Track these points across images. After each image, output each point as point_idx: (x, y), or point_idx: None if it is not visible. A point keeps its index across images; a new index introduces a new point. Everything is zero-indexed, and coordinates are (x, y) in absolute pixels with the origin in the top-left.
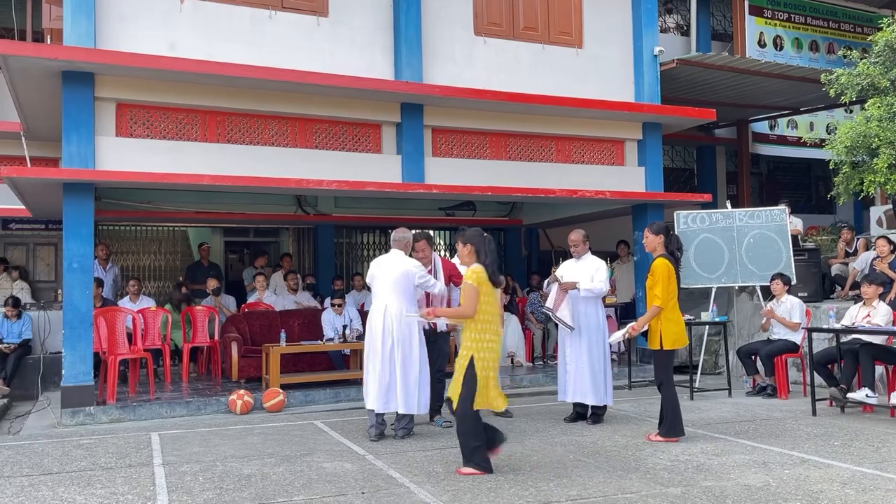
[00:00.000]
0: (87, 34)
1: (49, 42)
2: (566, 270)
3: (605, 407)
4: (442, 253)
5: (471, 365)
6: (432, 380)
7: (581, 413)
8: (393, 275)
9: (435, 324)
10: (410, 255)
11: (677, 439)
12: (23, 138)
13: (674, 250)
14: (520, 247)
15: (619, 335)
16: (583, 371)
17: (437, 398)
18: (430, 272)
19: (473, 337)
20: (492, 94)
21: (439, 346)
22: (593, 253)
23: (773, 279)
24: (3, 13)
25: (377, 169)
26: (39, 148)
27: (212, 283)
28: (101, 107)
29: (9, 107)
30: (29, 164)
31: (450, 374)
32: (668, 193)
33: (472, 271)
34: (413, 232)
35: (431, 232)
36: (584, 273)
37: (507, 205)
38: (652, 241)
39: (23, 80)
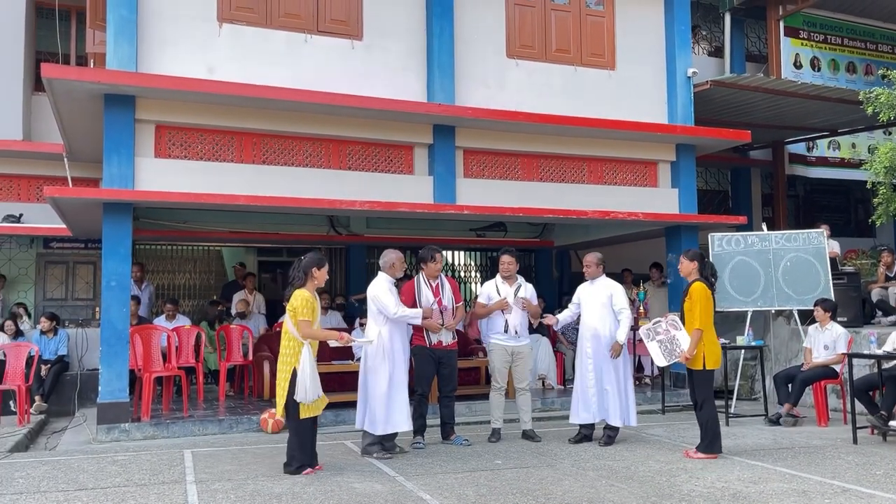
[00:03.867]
0: (129, 58)
1: (92, 66)
2: (581, 293)
3: (617, 429)
4: (473, 273)
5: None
6: (444, 399)
7: (587, 435)
8: (370, 298)
9: (441, 340)
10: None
11: (716, 456)
12: (65, 159)
13: (708, 276)
14: (551, 269)
15: (661, 359)
16: (599, 391)
17: (451, 417)
18: (437, 287)
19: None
20: (524, 116)
21: (451, 365)
22: (618, 275)
23: (815, 305)
24: (49, 38)
25: (409, 190)
26: (80, 168)
27: (241, 306)
28: (141, 128)
29: (52, 128)
30: (70, 185)
31: (462, 397)
32: (702, 216)
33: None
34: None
35: (462, 252)
36: (599, 296)
37: (538, 226)
38: (687, 266)
39: (66, 103)
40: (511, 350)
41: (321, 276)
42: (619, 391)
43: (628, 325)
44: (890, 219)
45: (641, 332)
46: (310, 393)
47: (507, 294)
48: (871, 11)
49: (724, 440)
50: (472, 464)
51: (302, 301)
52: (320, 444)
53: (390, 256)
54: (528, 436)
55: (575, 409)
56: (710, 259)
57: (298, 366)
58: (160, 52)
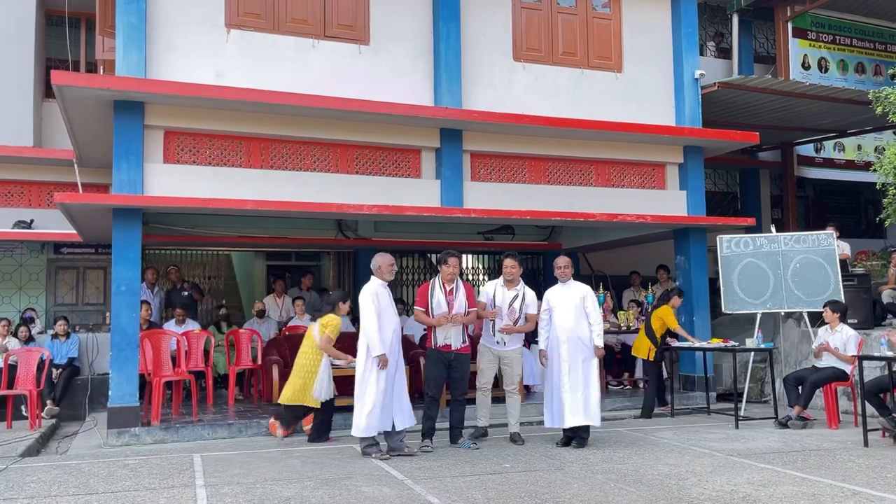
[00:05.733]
0: (138, 64)
1: (102, 73)
2: (552, 296)
3: (588, 428)
4: (481, 276)
5: None
6: (455, 402)
7: (571, 436)
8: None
9: (448, 343)
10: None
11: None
12: (75, 165)
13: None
14: None
15: None
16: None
17: (460, 421)
18: (451, 291)
19: None
20: (531, 119)
21: (462, 369)
22: (626, 277)
23: (824, 307)
24: (59, 45)
25: (417, 193)
26: (90, 175)
27: (258, 305)
28: (150, 134)
29: (62, 135)
30: (80, 191)
31: (470, 401)
32: (711, 217)
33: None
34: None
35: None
36: (573, 298)
37: (546, 229)
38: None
39: (76, 110)
40: (497, 353)
41: (345, 308)
42: (591, 391)
43: (601, 328)
44: None
45: None
46: (325, 393)
47: (504, 300)
48: (880, 11)
49: (735, 443)
50: (480, 467)
51: (336, 324)
52: (330, 448)
53: (377, 259)
54: (513, 439)
55: (559, 413)
56: (719, 260)
57: (318, 369)
58: (169, 58)
